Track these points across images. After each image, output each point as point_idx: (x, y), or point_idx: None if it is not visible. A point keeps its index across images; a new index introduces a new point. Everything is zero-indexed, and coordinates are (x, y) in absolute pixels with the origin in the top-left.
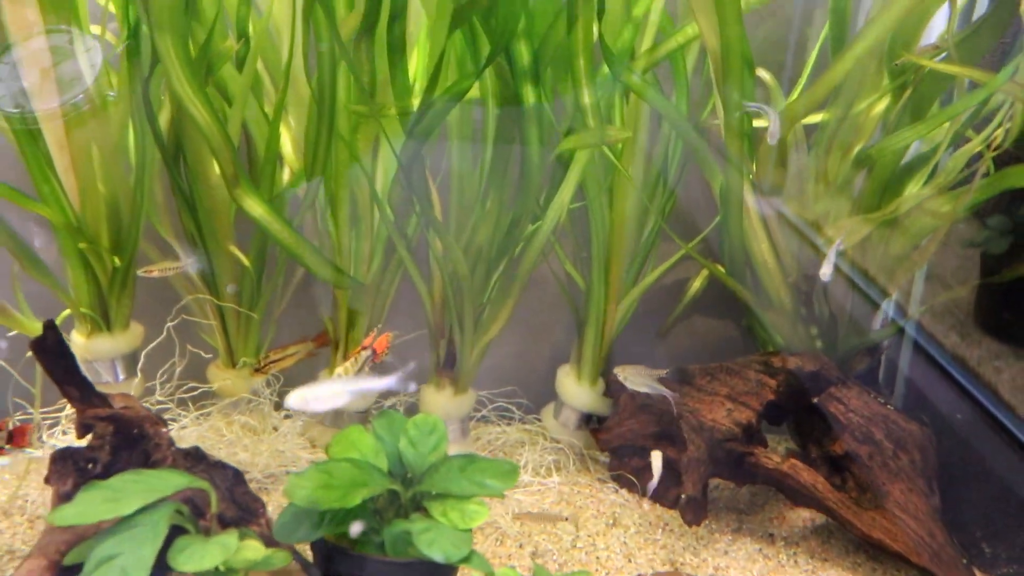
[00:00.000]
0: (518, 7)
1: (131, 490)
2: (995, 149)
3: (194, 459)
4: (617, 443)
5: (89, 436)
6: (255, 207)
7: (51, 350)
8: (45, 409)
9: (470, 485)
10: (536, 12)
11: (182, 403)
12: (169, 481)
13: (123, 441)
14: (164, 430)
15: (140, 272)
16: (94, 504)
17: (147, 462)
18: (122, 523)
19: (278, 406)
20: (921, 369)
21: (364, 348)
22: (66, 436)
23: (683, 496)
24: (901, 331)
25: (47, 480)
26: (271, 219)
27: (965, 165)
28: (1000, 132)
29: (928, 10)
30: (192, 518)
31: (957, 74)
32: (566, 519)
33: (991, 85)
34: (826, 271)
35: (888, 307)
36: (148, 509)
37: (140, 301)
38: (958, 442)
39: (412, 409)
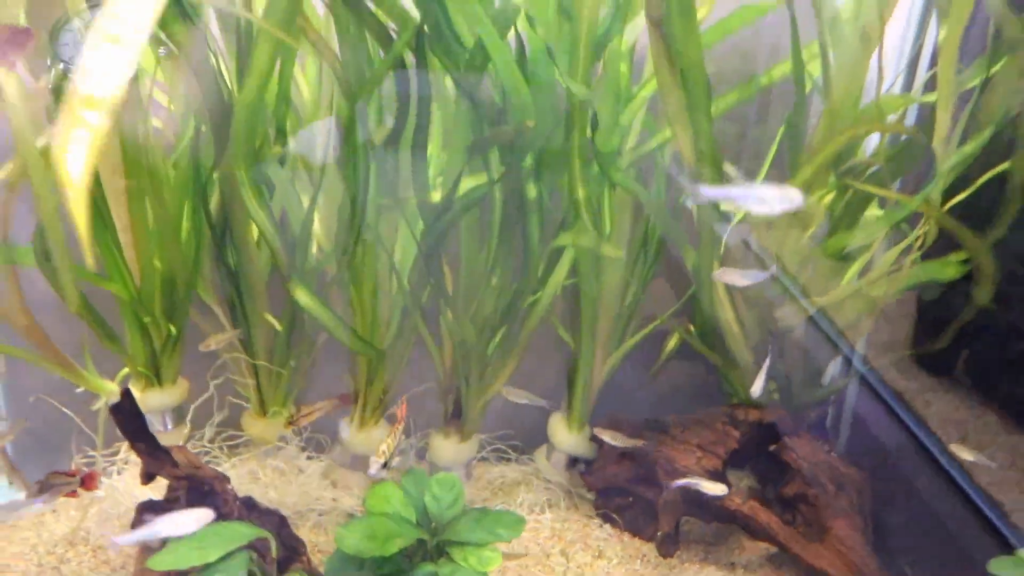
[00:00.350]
0: (528, 139)
1: (213, 540)
2: (920, 247)
3: (248, 507)
4: (602, 485)
5: (164, 487)
6: (303, 296)
7: (126, 412)
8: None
9: (485, 534)
10: (538, 123)
11: (221, 449)
12: (242, 532)
13: (196, 496)
14: (230, 487)
15: (200, 347)
16: (185, 552)
17: (218, 515)
18: (208, 568)
19: (303, 449)
20: (865, 402)
21: (399, 422)
22: (120, 476)
23: (659, 532)
24: (848, 378)
25: (133, 526)
26: (315, 306)
27: (896, 258)
28: (922, 232)
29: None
30: (260, 562)
31: (879, 194)
32: (525, 555)
33: (907, 206)
34: (756, 390)
35: (835, 367)
36: (228, 556)
37: (185, 358)
38: (893, 474)
39: (421, 453)
